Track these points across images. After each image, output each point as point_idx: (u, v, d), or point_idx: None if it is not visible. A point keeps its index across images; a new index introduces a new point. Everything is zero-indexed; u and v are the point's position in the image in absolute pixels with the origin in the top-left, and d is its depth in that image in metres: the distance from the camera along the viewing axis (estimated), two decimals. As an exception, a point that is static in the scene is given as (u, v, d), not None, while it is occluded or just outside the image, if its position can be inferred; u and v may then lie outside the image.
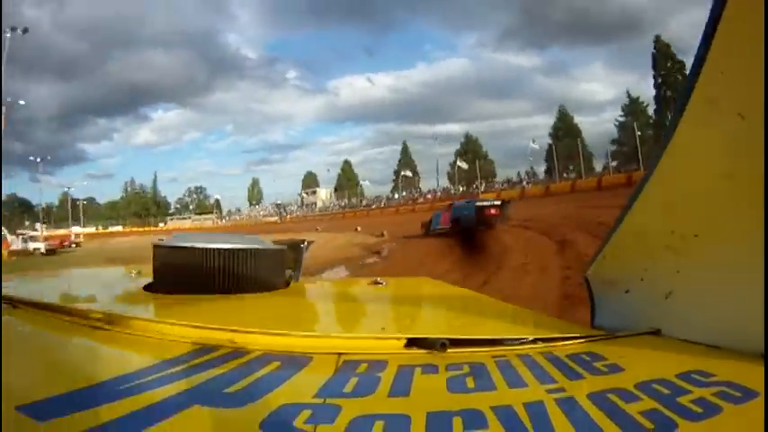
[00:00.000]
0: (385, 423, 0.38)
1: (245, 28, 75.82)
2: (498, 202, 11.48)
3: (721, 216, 0.55)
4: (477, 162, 38.78)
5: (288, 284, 1.06)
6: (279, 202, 53.50)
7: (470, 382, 0.47)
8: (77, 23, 60.42)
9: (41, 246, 20.38)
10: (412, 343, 0.58)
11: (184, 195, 58.78)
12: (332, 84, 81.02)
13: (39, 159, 39.08)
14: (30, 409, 0.37)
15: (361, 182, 47.93)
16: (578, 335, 0.62)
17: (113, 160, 75.01)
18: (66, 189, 51.65)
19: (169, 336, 0.60)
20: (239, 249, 0.90)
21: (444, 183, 42.73)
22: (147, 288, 0.95)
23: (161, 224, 53.39)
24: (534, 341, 0.60)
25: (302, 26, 76.25)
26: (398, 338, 0.59)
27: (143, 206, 55.00)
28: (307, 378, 0.48)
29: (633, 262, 0.68)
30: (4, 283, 0.86)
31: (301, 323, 0.80)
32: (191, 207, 57.87)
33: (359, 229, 15.20)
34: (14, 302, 0.79)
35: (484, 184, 39.24)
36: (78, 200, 50.79)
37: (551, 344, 0.60)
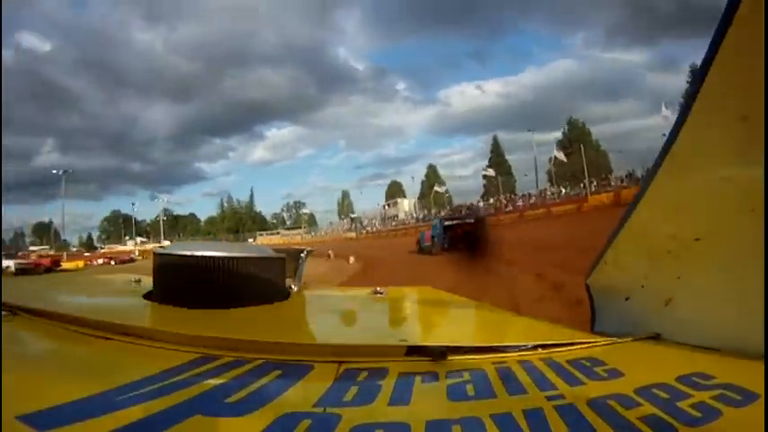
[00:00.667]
0: None
1: (352, 40, 76.07)
2: (471, 221, 11.85)
3: (722, 220, 0.56)
4: (582, 150, 29.76)
5: (288, 293, 1.05)
6: (353, 215, 51.38)
7: (470, 390, 0.47)
8: (189, 45, 66.77)
9: (11, 264, 18.40)
10: (412, 351, 0.58)
11: (282, 210, 60.87)
12: (442, 93, 75.71)
13: (62, 172, 41.69)
14: (30, 419, 0.37)
15: (436, 188, 42.31)
16: (578, 341, 0.63)
17: (230, 178, 79.41)
18: (143, 204, 55.90)
19: (169, 345, 0.60)
20: (238, 258, 0.92)
21: (546, 185, 34.48)
22: (147, 296, 0.95)
23: (250, 239, 55.92)
24: (534, 348, 0.60)
25: (408, 36, 74.44)
26: (399, 346, 0.59)
27: (238, 221, 58.15)
28: (307, 386, 0.49)
29: (634, 267, 0.68)
30: (4, 289, 0.86)
31: (301, 331, 0.82)
32: (287, 222, 59.39)
33: (351, 260, 12.32)
34: (14, 310, 0.79)
35: (595, 183, 30.02)
36: (161, 217, 55.33)
37: (551, 350, 0.60)
